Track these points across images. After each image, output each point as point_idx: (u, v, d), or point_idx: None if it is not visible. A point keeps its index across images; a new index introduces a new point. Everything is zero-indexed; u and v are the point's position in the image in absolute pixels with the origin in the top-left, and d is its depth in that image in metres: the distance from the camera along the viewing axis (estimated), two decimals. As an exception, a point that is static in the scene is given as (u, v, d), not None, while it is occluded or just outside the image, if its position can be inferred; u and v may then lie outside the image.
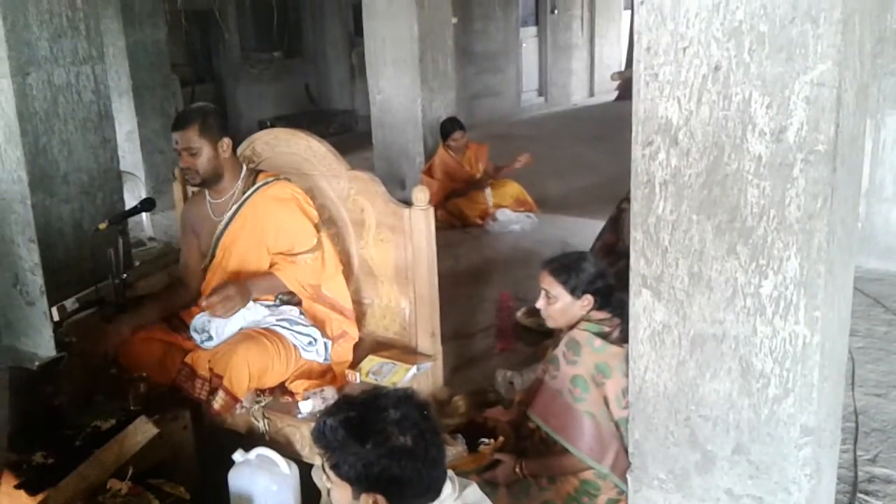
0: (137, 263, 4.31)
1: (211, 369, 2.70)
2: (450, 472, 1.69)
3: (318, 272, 2.96)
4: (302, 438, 2.67)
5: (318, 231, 2.96)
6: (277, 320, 2.85)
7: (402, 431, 1.50)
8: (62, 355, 3.48)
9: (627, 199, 4.16)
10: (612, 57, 13.27)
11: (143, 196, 4.65)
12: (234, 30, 10.00)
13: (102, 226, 3.09)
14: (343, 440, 1.53)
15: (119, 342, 2.87)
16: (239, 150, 3.40)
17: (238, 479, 2.50)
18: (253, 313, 2.85)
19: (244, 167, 3.05)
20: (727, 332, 1.98)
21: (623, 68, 12.72)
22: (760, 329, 1.93)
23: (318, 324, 2.94)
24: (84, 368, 3.06)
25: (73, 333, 3.54)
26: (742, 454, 2.06)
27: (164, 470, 2.48)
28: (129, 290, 3.41)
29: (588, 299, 2.57)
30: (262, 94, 10.51)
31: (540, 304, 2.66)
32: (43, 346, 3.96)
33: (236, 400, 2.67)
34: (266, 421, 2.74)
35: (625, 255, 3.97)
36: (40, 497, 2.26)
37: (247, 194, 2.99)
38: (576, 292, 2.57)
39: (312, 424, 2.59)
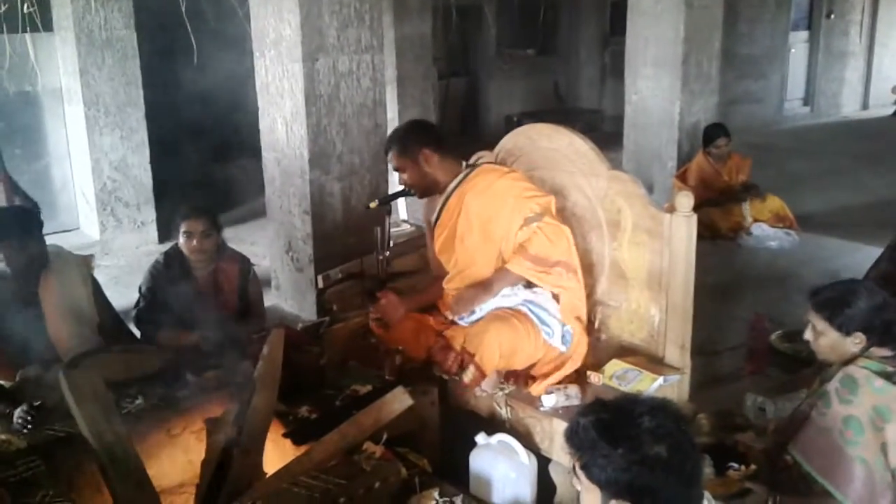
0: (393, 244, 4.56)
1: (464, 347, 2.80)
2: (707, 494, 1.60)
3: (552, 242, 2.88)
4: (542, 431, 2.68)
5: (541, 197, 2.94)
6: (525, 300, 2.88)
7: (656, 440, 1.44)
8: (324, 320, 3.76)
9: (915, 224, 3.81)
10: (892, 68, 11.97)
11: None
12: (493, 25, 10.26)
13: (373, 204, 3.29)
14: (594, 441, 1.50)
15: (399, 316, 3.04)
16: (500, 145, 3.48)
17: (479, 460, 2.56)
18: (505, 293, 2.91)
19: (463, 165, 3.11)
20: None
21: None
22: None
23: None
24: (344, 335, 3.29)
25: (336, 301, 3.83)
26: None
27: (410, 441, 2.60)
28: (388, 267, 3.63)
29: (860, 337, 2.33)
30: (511, 90, 10.70)
31: (807, 336, 2.46)
32: (306, 309, 4.34)
33: (484, 376, 2.74)
34: (508, 409, 2.78)
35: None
36: (304, 448, 2.46)
37: (451, 187, 3.07)
38: (844, 329, 2.35)
39: (554, 419, 2.64)
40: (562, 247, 2.88)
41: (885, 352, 2.32)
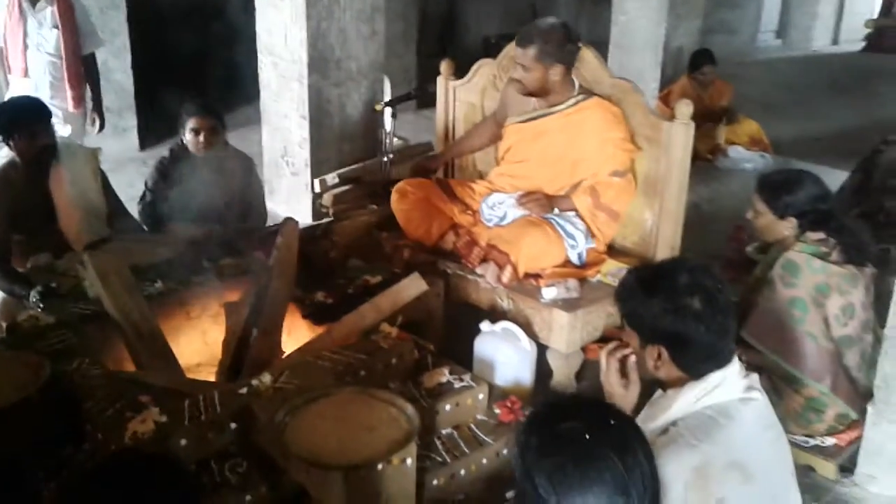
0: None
1: (492, 245, 2.96)
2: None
3: (621, 197, 3.09)
4: (542, 321, 2.86)
5: (633, 152, 3.08)
6: (554, 214, 3.04)
7: (690, 293, 1.61)
8: (321, 223, 3.87)
9: (885, 142, 4.05)
10: (864, 4, 12.11)
11: (388, 92, 4.96)
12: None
13: (378, 107, 3.38)
14: (633, 291, 1.69)
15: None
16: (503, 53, 3.56)
17: (483, 345, 2.75)
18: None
19: (577, 87, 3.15)
20: None
21: (876, 16, 11.61)
22: None
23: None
24: (350, 232, 3.40)
25: (336, 204, 3.94)
26: None
27: (416, 329, 2.75)
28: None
29: (792, 222, 2.57)
30: (489, 11, 10.59)
31: (749, 215, 2.73)
32: (301, 213, 4.43)
33: (518, 276, 2.91)
34: (510, 300, 2.95)
35: (876, 193, 3.86)
36: (323, 328, 2.61)
37: (561, 107, 3.14)
38: (779, 212, 2.60)
39: (553, 310, 2.82)
40: (625, 203, 3.09)
41: (820, 235, 2.56)
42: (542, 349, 2.86)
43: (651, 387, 1.76)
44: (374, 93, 4.46)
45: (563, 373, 2.89)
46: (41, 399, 2.04)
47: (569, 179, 3.15)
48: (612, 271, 3.03)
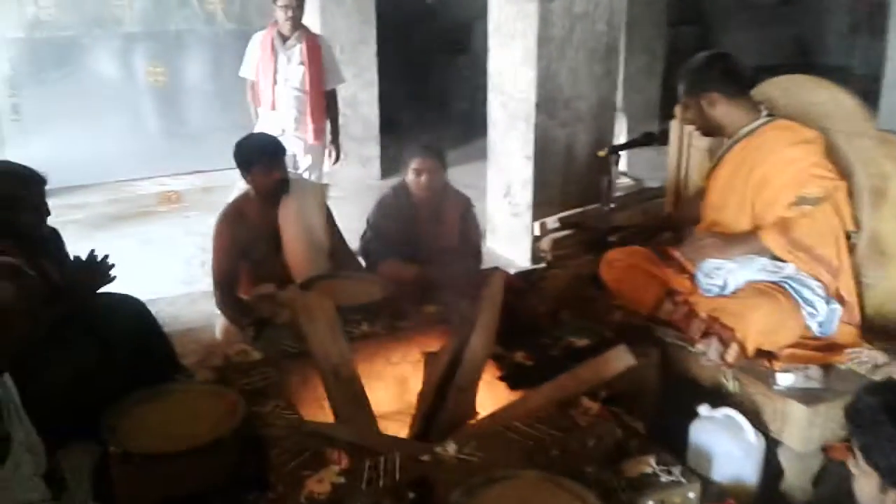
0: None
1: (714, 317, 2.62)
2: None
3: (818, 232, 2.62)
4: (774, 412, 2.46)
5: (829, 181, 2.63)
6: (787, 276, 2.63)
7: None
8: (538, 267, 3.71)
9: None
10: None
11: (625, 132, 4.71)
12: (731, -30, 9.54)
13: (602, 153, 3.16)
14: (880, 424, 1.35)
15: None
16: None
17: (700, 432, 2.41)
18: (759, 266, 2.66)
19: (760, 112, 2.81)
20: None
21: None
22: None
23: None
24: (561, 283, 3.22)
25: (552, 250, 3.77)
26: None
27: (624, 402, 2.49)
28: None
29: None
30: (747, 41, 9.87)
31: None
32: (520, 255, 4.32)
33: (746, 355, 2.56)
34: (736, 382, 2.58)
35: None
36: (519, 393, 2.44)
37: (741, 133, 2.80)
38: None
39: (788, 400, 2.42)
40: (827, 244, 2.62)
41: None
42: (771, 443, 2.46)
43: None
44: (603, 133, 4.25)
45: (797, 475, 2.46)
46: (233, 441, 2.07)
47: (753, 215, 2.72)
48: (866, 357, 2.56)
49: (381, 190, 6.21)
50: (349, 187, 6.36)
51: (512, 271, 3.82)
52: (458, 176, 6.11)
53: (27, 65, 6.07)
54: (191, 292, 4.09)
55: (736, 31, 9.81)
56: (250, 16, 6.61)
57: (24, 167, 2.56)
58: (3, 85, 6.01)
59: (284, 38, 4.38)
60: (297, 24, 4.36)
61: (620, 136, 4.59)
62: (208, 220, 3.38)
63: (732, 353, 2.53)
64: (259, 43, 4.42)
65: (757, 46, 9.95)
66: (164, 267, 4.69)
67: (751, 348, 2.53)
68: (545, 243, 3.98)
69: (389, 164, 6.50)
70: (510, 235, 4.42)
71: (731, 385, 2.59)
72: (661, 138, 3.39)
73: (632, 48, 7.27)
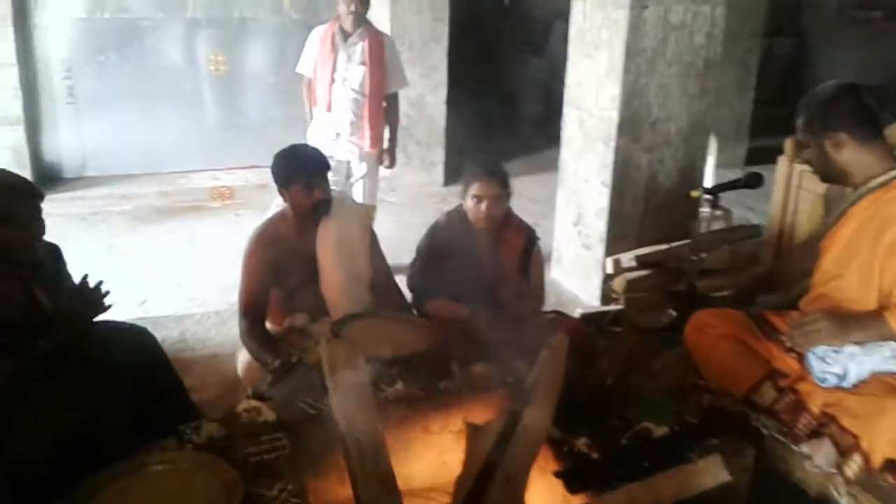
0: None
1: (830, 415, 2.14)
2: None
3: None
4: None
5: None
6: None
7: None
8: (608, 310, 3.25)
9: None
10: None
11: (713, 152, 4.19)
12: (838, -21, 8.82)
13: (695, 193, 2.67)
14: None
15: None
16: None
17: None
18: (889, 354, 2.15)
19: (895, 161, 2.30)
20: None
21: None
22: None
23: None
24: (635, 340, 2.76)
25: (626, 291, 3.30)
26: None
27: (706, 505, 2.03)
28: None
29: None
30: (847, 58, 9.15)
31: None
32: (588, 292, 3.85)
33: (872, 469, 2.06)
34: (850, 498, 2.09)
35: None
36: (578, 499, 1.99)
37: (871, 184, 2.29)
38: None
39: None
40: None
41: None
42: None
43: None
44: (694, 161, 3.74)
45: None
46: (223, 538, 1.69)
47: (880, 288, 2.21)
48: None
49: (442, 198, 5.89)
50: (410, 193, 6.00)
51: (577, 312, 3.37)
52: (525, 187, 5.72)
53: (86, 47, 5.89)
54: (221, 311, 3.75)
55: (837, 46, 9.09)
56: (318, 7, 6.31)
57: (18, 177, 2.23)
58: (61, 66, 5.83)
59: (346, 35, 4.01)
60: (360, 19, 3.98)
61: (709, 158, 4.05)
62: (261, 219, 3.04)
63: (854, 468, 2.03)
64: (319, 38, 4.06)
65: (859, 64, 9.20)
66: (206, 270, 4.40)
67: (878, 462, 2.03)
68: (618, 283, 3.51)
69: (453, 172, 6.12)
70: (578, 268, 3.95)
71: (845, 500, 2.09)
72: (762, 180, 2.85)
73: (723, 60, 6.67)
